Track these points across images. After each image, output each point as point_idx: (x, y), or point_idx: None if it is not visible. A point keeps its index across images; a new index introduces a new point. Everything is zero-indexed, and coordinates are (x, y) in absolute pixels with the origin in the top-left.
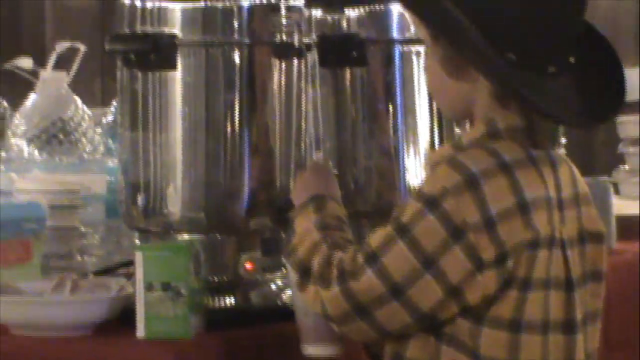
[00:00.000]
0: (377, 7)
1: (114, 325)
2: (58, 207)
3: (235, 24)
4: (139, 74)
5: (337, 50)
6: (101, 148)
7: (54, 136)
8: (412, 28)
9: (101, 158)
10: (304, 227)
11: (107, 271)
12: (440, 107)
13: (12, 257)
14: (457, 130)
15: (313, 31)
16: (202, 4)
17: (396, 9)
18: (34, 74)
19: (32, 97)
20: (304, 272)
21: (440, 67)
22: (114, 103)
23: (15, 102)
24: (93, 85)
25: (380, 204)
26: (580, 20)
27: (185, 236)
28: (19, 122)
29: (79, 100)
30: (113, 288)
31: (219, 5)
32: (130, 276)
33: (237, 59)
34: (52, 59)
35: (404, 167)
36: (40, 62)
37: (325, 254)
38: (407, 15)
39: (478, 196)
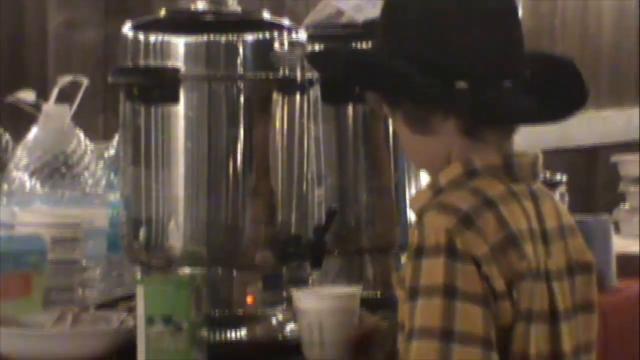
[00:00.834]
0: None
1: (115, 359)
2: (60, 241)
3: (238, 59)
4: (142, 108)
5: (339, 86)
6: (103, 182)
7: (56, 170)
8: None
9: (103, 192)
10: None
11: (108, 305)
12: (421, 168)
13: (13, 291)
14: None
15: None
16: (205, 38)
17: None
18: (37, 107)
19: (34, 131)
20: None
21: (407, 129)
22: (116, 137)
23: (18, 135)
24: (95, 120)
25: (382, 241)
26: (520, 35)
27: (187, 270)
28: (21, 155)
29: (81, 134)
30: (114, 322)
31: (222, 39)
32: (131, 310)
33: (239, 94)
34: (54, 93)
35: (405, 204)
36: (43, 95)
37: None
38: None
39: (477, 231)
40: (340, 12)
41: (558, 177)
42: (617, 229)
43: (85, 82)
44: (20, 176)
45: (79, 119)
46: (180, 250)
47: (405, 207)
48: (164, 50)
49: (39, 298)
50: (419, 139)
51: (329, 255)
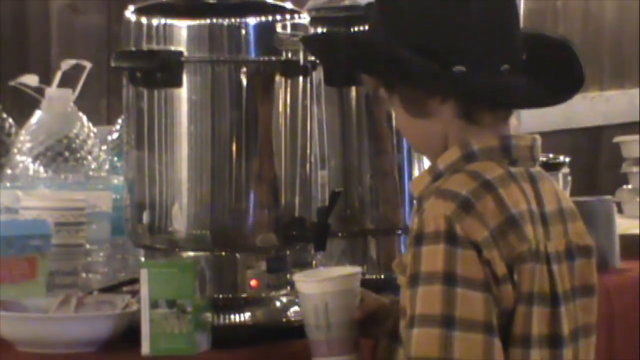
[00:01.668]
0: None
1: (119, 343)
2: (64, 225)
3: (241, 42)
4: (145, 92)
5: (341, 69)
6: (106, 166)
7: (60, 154)
8: None
9: (106, 176)
10: None
11: (112, 288)
12: (419, 151)
13: (18, 274)
14: None
15: None
16: (208, 21)
17: None
18: (40, 91)
19: (37, 115)
20: None
21: (405, 112)
22: (119, 121)
23: (21, 119)
24: (98, 104)
25: (385, 223)
26: (517, 19)
27: (191, 254)
28: (24, 139)
29: (84, 118)
30: (118, 305)
31: (225, 22)
32: (135, 293)
33: (242, 77)
34: (57, 77)
35: (408, 186)
36: (46, 79)
37: None
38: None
39: (477, 215)
40: None
41: (561, 158)
42: (620, 210)
43: (88, 66)
44: (24, 160)
45: (81, 103)
46: (184, 233)
47: (408, 188)
48: (167, 33)
49: (43, 281)
50: (416, 122)
51: (332, 237)
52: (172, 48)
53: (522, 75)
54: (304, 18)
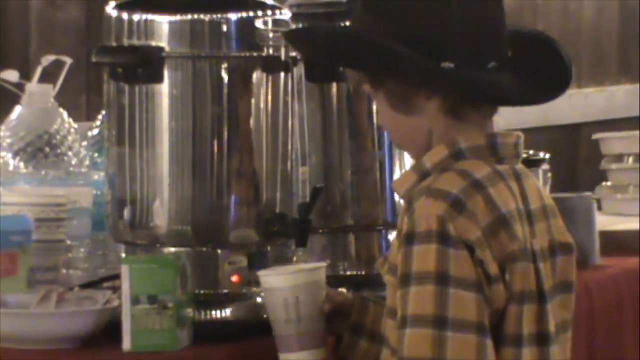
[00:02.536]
0: None
1: (100, 339)
2: (44, 220)
3: (223, 37)
4: (126, 87)
5: (323, 64)
6: (87, 162)
7: (40, 149)
8: None
9: (87, 171)
10: None
11: (93, 284)
12: (402, 148)
13: None
14: None
15: None
16: (189, 17)
17: None
18: (20, 87)
19: (17, 110)
20: None
21: (390, 108)
22: (100, 117)
23: (1, 115)
24: (78, 100)
25: (366, 219)
26: (503, 16)
27: (172, 249)
28: (4, 135)
29: (64, 114)
30: (99, 301)
31: (207, 18)
32: (116, 289)
33: (223, 72)
34: (38, 72)
35: (390, 181)
36: (25, 75)
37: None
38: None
39: (469, 215)
40: None
41: (541, 154)
42: (599, 207)
43: (68, 61)
44: (4, 156)
45: (61, 99)
46: (165, 229)
47: (389, 185)
48: (147, 29)
49: (24, 277)
50: (401, 118)
51: (313, 233)
52: (153, 43)
53: (508, 72)
54: (285, 14)
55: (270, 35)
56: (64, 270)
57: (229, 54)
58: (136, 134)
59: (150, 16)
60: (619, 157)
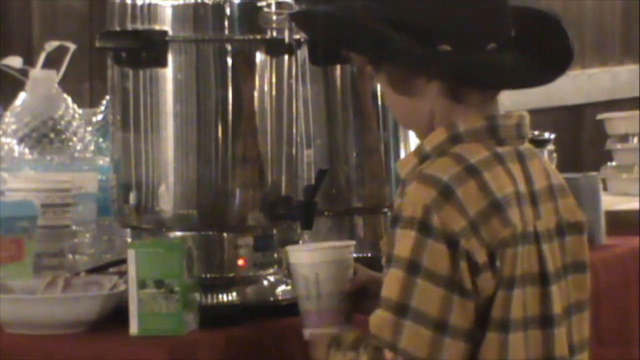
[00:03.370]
0: None
1: (107, 323)
2: (50, 206)
3: (226, 21)
4: (130, 72)
5: (326, 46)
6: (92, 147)
7: (45, 135)
8: None
9: (92, 157)
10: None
11: (99, 269)
12: (407, 128)
13: (5, 256)
14: None
15: None
16: (192, 0)
17: None
18: (24, 73)
19: (22, 96)
20: None
21: (392, 90)
22: (104, 102)
23: (5, 101)
24: (81, 86)
25: (371, 201)
26: None
27: (178, 233)
28: (9, 121)
29: (69, 99)
30: (106, 286)
31: (210, 1)
32: (122, 274)
33: (227, 56)
34: (42, 58)
35: (395, 163)
36: (28, 61)
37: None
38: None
39: (456, 203)
40: None
41: (546, 135)
42: (605, 187)
43: (72, 47)
44: (9, 142)
45: (64, 85)
46: (171, 213)
47: (394, 166)
48: (151, 13)
49: (30, 263)
50: (403, 100)
51: (319, 216)
52: (157, 28)
53: (511, 52)
54: None
55: (274, 17)
56: (70, 256)
57: (232, 37)
58: (141, 119)
59: (153, 0)
60: (624, 137)
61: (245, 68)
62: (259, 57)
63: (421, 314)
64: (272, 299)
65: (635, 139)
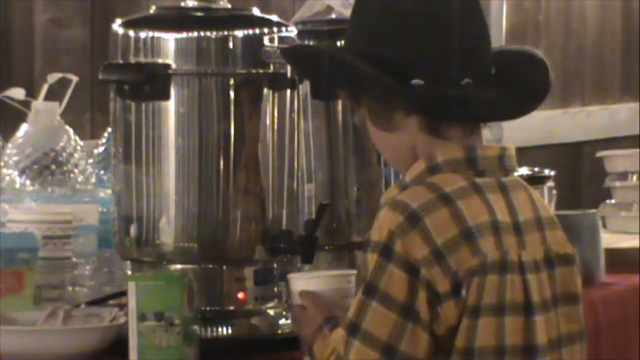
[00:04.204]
0: None
1: (106, 356)
2: (51, 238)
3: (229, 54)
4: (132, 105)
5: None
6: (93, 179)
7: (46, 167)
8: None
9: (93, 189)
10: (324, 345)
11: (99, 301)
12: (392, 164)
13: (5, 288)
14: None
15: None
16: (195, 34)
17: None
18: (26, 104)
19: (24, 128)
20: None
21: (373, 125)
22: (105, 135)
23: (7, 132)
24: (82, 118)
25: None
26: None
27: (178, 266)
28: (10, 152)
29: (71, 131)
30: (106, 318)
31: (213, 35)
32: (122, 306)
33: (230, 89)
34: (44, 90)
35: None
36: (30, 94)
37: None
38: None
39: (422, 231)
40: (329, 8)
41: (546, 171)
42: (604, 225)
43: (74, 79)
44: (10, 173)
45: (65, 117)
46: (172, 246)
47: None
48: (154, 46)
49: (30, 295)
50: (384, 135)
51: (319, 250)
52: (160, 61)
53: (488, 89)
54: (291, 31)
55: (277, 52)
56: (70, 288)
57: (235, 71)
58: (143, 151)
59: (156, 33)
60: (623, 175)
61: (248, 102)
62: (261, 91)
63: (371, 336)
64: (272, 332)
65: (635, 177)
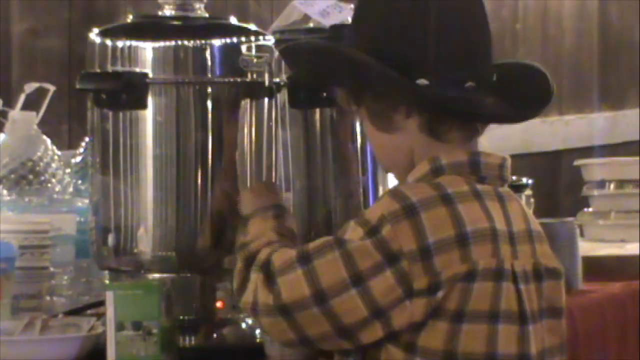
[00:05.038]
0: None
1: None
2: (28, 247)
3: (206, 63)
4: (110, 114)
5: (307, 90)
6: (70, 188)
7: (24, 177)
8: None
9: (70, 198)
10: (261, 228)
11: (77, 311)
12: (386, 167)
13: None
14: None
15: (283, 71)
16: (173, 43)
17: None
18: (3, 114)
19: (1, 138)
20: (249, 264)
21: (372, 126)
22: (83, 144)
23: None
24: (59, 128)
25: None
26: (486, 40)
27: (156, 275)
28: None
29: (48, 141)
30: (84, 328)
31: (190, 44)
32: (100, 316)
33: (208, 98)
34: (21, 99)
35: None
36: (7, 103)
37: (274, 250)
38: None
39: (416, 225)
40: (307, 17)
41: (524, 180)
42: (581, 233)
43: (52, 89)
44: None
45: (42, 128)
46: (150, 255)
47: None
48: (131, 55)
49: (8, 304)
50: (383, 136)
51: None
52: (137, 70)
53: (490, 93)
54: (269, 39)
55: (254, 60)
56: (47, 297)
57: (212, 79)
58: (120, 161)
59: (134, 42)
60: (601, 184)
61: (225, 110)
62: (239, 99)
63: (314, 274)
64: (250, 341)
65: (612, 186)
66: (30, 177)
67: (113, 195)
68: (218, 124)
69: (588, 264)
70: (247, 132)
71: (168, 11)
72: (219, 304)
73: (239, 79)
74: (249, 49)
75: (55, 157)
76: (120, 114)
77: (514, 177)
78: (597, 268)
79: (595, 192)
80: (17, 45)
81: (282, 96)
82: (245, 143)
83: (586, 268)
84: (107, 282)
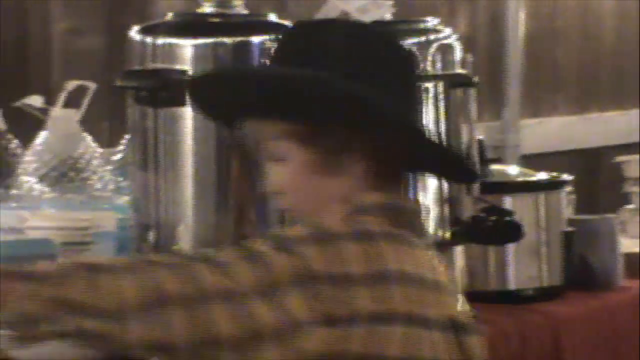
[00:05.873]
0: None
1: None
2: (69, 244)
3: (246, 60)
4: (150, 111)
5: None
6: (111, 185)
7: (64, 174)
8: None
9: (111, 195)
10: None
11: None
12: (295, 207)
13: None
14: None
15: None
16: (212, 40)
17: None
18: (45, 112)
19: (42, 135)
20: None
21: (308, 169)
22: (123, 141)
23: (26, 140)
24: (99, 126)
25: None
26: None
27: None
28: (29, 159)
29: (89, 138)
30: None
31: (229, 41)
32: None
33: None
34: (62, 97)
35: None
36: (48, 100)
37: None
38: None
39: (336, 252)
40: (345, 14)
41: (564, 176)
42: (622, 230)
43: (92, 86)
44: (29, 181)
45: (84, 124)
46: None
47: None
48: (171, 53)
49: None
50: (315, 181)
51: None
52: (177, 67)
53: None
54: None
55: None
56: None
57: None
58: (160, 157)
59: (173, 40)
60: None
61: None
62: None
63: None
64: None
65: None
66: (71, 174)
67: (153, 192)
68: None
69: (628, 261)
70: None
71: (207, 8)
72: None
73: None
74: None
75: (96, 155)
76: (160, 111)
77: (554, 174)
78: (638, 265)
79: (636, 189)
80: (57, 44)
81: None
82: None
83: (626, 265)
84: None
